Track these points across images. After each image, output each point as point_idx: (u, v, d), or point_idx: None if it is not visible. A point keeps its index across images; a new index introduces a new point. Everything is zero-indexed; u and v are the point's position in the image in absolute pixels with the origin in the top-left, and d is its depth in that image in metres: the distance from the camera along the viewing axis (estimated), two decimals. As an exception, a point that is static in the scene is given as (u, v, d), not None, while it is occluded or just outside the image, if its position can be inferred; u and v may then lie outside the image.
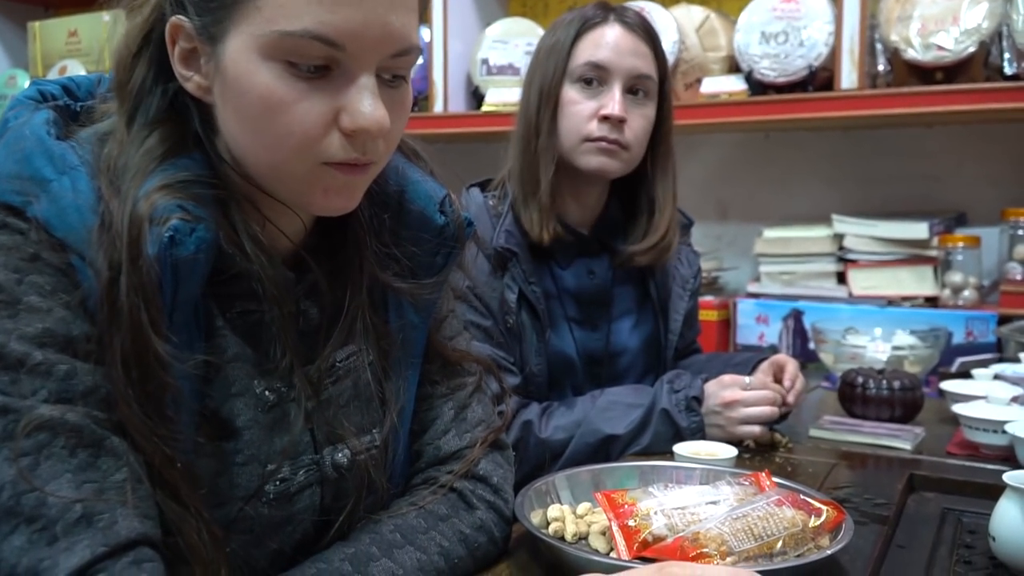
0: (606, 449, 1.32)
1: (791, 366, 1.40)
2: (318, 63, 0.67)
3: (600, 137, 1.38)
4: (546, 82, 1.40)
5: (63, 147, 0.68)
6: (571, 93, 1.39)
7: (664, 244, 1.45)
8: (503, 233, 1.38)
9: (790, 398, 1.36)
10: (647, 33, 1.41)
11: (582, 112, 1.39)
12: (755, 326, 2.14)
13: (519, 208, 1.41)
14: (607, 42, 1.38)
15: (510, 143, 1.46)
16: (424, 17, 0.73)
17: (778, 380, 1.38)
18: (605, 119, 1.37)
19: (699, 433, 1.32)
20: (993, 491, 0.97)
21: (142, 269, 0.64)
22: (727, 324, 2.20)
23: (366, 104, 0.68)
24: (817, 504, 0.89)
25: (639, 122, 1.40)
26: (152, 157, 0.69)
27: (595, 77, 1.38)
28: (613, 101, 1.37)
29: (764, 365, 1.40)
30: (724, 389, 1.33)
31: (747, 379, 1.35)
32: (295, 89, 0.67)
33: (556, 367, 1.42)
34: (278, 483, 0.75)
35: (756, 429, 1.32)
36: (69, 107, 0.75)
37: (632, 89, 1.39)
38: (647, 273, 1.53)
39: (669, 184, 1.47)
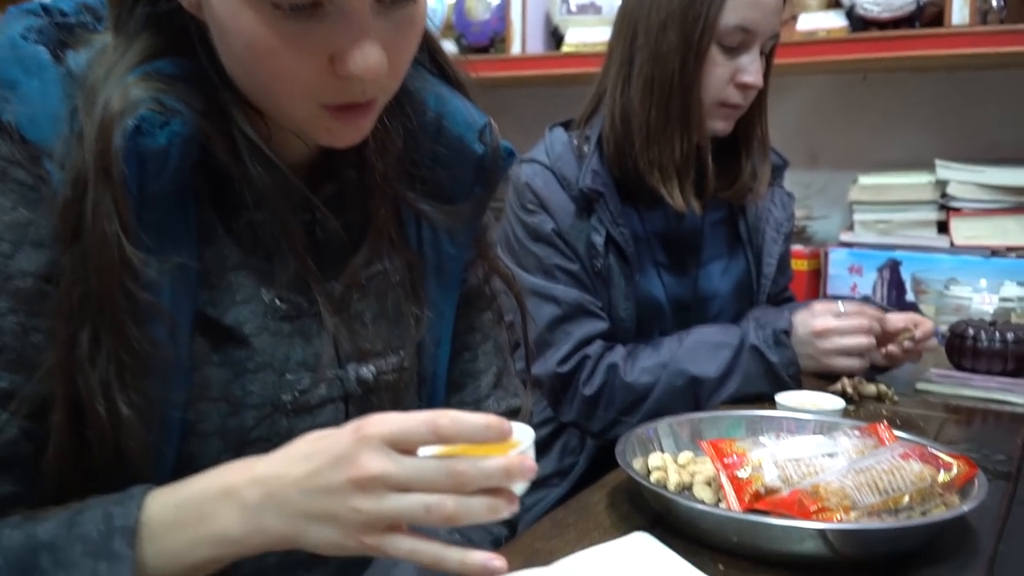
0: (694, 392, 1.26)
1: (928, 325, 1.30)
2: (306, 4, 0.60)
3: (736, 104, 1.30)
4: (692, 38, 1.26)
5: (36, 49, 0.64)
6: (715, 55, 1.27)
7: (752, 183, 1.39)
8: (589, 173, 1.32)
9: (917, 341, 1.29)
10: None
11: (722, 76, 1.28)
12: (847, 276, 2.05)
13: (643, 166, 1.32)
14: (757, 2, 1.25)
15: (607, 82, 1.36)
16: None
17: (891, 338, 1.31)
18: (743, 86, 1.28)
19: (794, 368, 1.25)
20: None
21: (108, 163, 0.60)
22: (817, 274, 2.11)
23: (359, 52, 0.62)
24: (946, 458, 0.83)
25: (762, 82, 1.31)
26: (137, 53, 0.65)
27: (740, 42, 1.27)
28: (755, 69, 1.27)
29: (853, 305, 1.31)
30: (815, 317, 1.26)
31: (841, 305, 1.27)
32: (281, 33, 0.61)
33: (644, 312, 1.37)
34: (297, 394, 0.72)
35: (855, 363, 1.25)
36: (80, 25, 0.70)
37: (763, 49, 1.30)
38: (739, 215, 1.46)
39: (763, 122, 1.39)
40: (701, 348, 1.28)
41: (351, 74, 0.63)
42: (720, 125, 1.32)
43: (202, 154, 0.67)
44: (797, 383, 1.25)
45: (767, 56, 1.33)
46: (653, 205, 1.38)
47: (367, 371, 0.77)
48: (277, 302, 0.72)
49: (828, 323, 1.25)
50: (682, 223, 1.40)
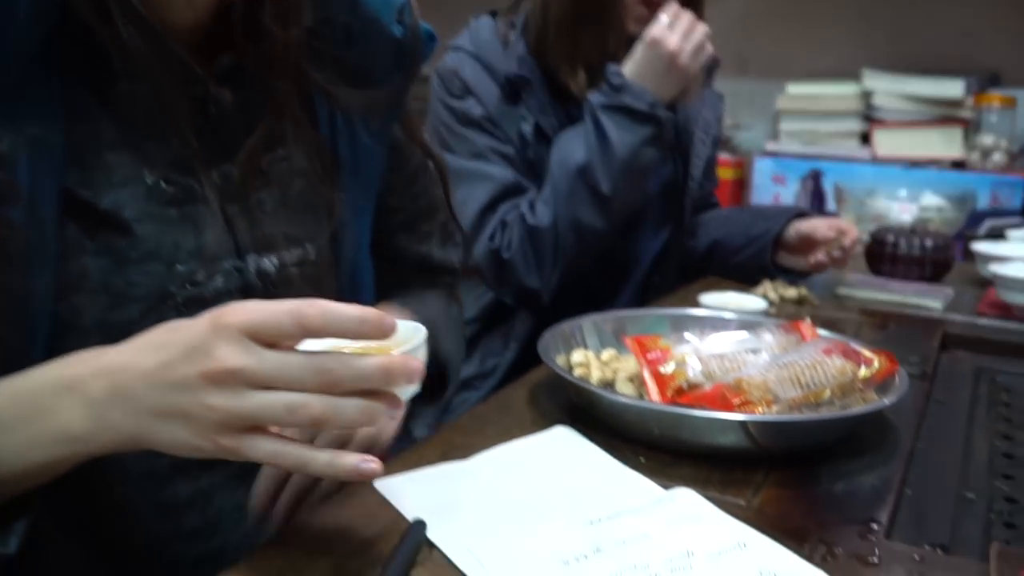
0: (585, 183, 1.23)
1: (853, 231, 1.30)
2: None
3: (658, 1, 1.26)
4: None
5: None
6: None
7: None
8: (515, 60, 1.29)
9: (845, 249, 1.28)
10: None
11: None
12: (771, 186, 2.05)
13: (554, 60, 1.28)
14: None
15: None
16: None
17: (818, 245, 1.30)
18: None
19: (649, 96, 1.21)
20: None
21: None
22: (741, 184, 2.12)
23: None
24: (867, 353, 0.83)
25: None
26: None
27: None
28: None
29: (824, 222, 1.31)
30: (649, 37, 1.23)
31: (663, 16, 1.24)
32: None
33: None
34: (189, 286, 0.66)
35: (709, 49, 1.25)
36: None
37: None
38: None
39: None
40: (565, 144, 1.26)
41: None
42: (644, 27, 1.26)
43: (65, 11, 0.59)
44: (667, 125, 1.25)
45: None
46: (582, 100, 1.32)
47: (268, 263, 0.71)
48: (162, 184, 0.65)
49: (660, 31, 1.22)
50: None
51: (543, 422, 0.81)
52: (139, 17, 0.61)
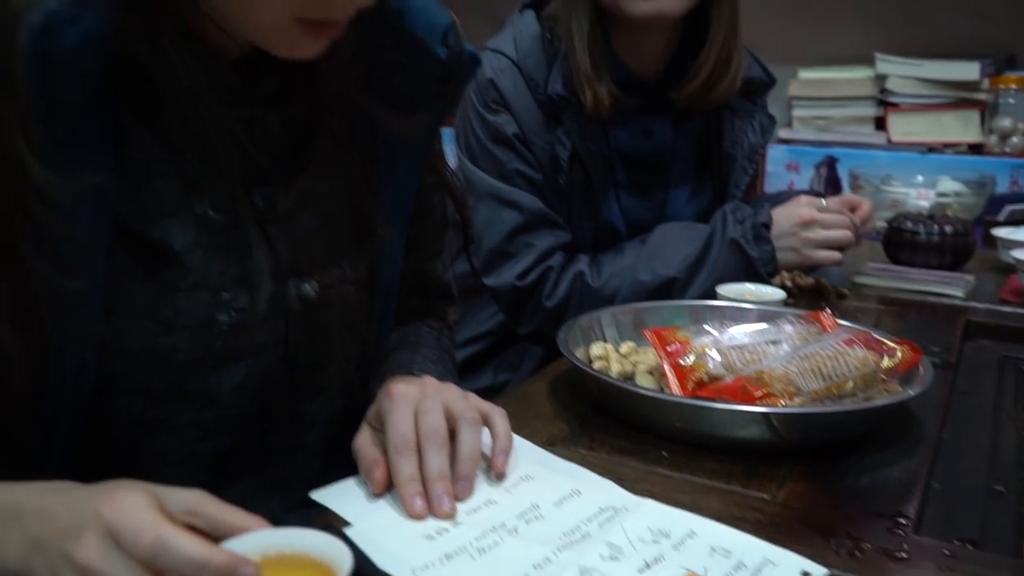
0: (663, 290, 1.18)
1: (866, 205, 1.27)
2: None
3: None
4: None
5: None
6: None
7: (710, 86, 1.22)
8: (560, 77, 1.19)
9: (859, 225, 1.24)
10: None
11: None
12: (784, 173, 2.03)
13: (577, 78, 1.19)
14: None
15: None
16: None
17: None
18: None
19: (772, 264, 1.19)
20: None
21: (11, 68, 0.52)
22: (758, 166, 2.10)
23: None
24: (890, 344, 0.81)
25: None
26: None
27: None
28: None
29: (835, 199, 1.27)
30: (800, 208, 1.21)
31: (823, 202, 1.23)
32: None
33: (602, 235, 1.28)
34: (234, 313, 0.66)
35: (836, 255, 1.21)
36: None
37: None
38: (711, 136, 1.33)
39: (724, 8, 1.22)
40: (668, 245, 1.21)
41: None
42: (643, 7, 1.14)
43: (120, 48, 0.58)
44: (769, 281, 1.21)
45: None
46: (621, 121, 1.26)
47: (309, 288, 0.71)
48: (211, 213, 0.64)
49: (814, 213, 1.20)
50: (650, 142, 1.29)
51: (564, 415, 0.80)
52: (195, 51, 0.61)
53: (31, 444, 0.61)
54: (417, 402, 0.65)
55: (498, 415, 0.68)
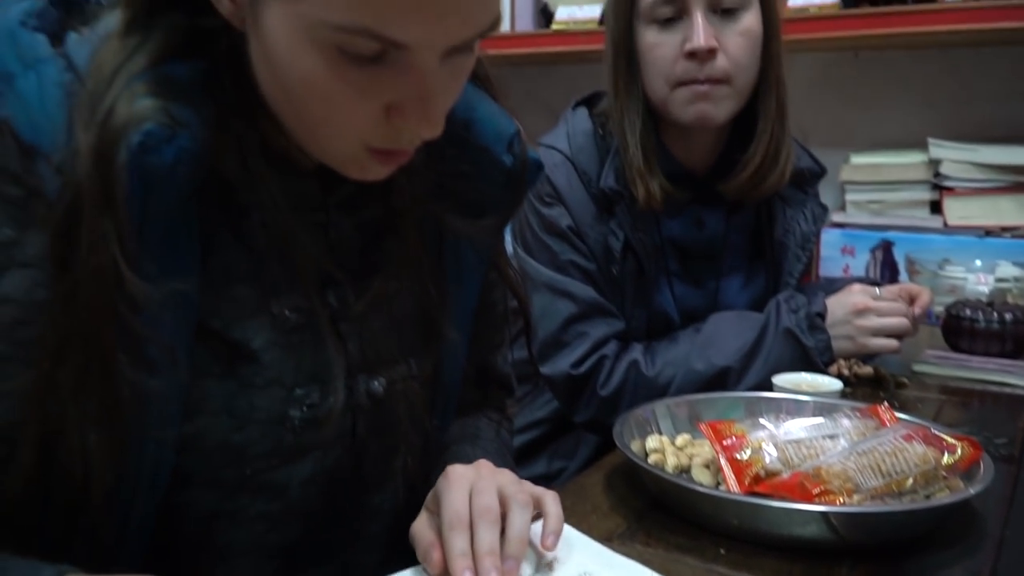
0: (718, 380, 1.19)
1: (925, 296, 1.26)
2: (374, 54, 0.56)
3: (690, 80, 1.17)
4: (617, 32, 1.22)
5: (35, 38, 0.59)
6: (648, 36, 1.19)
7: (759, 180, 1.24)
8: (612, 171, 1.23)
9: (916, 317, 1.23)
10: None
11: (665, 55, 1.18)
12: (840, 257, 2.03)
13: (629, 173, 1.23)
14: None
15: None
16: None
17: None
18: (691, 56, 1.16)
19: (828, 354, 1.19)
20: None
21: (110, 184, 0.55)
22: (811, 254, 2.10)
23: (421, 107, 0.58)
24: (950, 440, 0.81)
25: (737, 42, 1.17)
26: (148, 54, 0.59)
27: (671, 13, 1.16)
28: (697, 32, 1.14)
29: (892, 287, 1.27)
30: (853, 296, 1.21)
31: (877, 290, 1.23)
32: (343, 78, 0.57)
33: (655, 324, 1.30)
34: (305, 409, 0.68)
35: (893, 343, 1.20)
36: (82, 1, 0.64)
37: (718, 7, 1.16)
38: (763, 226, 1.35)
39: (771, 104, 1.24)
40: (722, 334, 1.22)
41: (409, 126, 0.59)
42: (692, 110, 1.19)
43: (210, 164, 0.62)
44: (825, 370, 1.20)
45: (763, 6, 1.21)
46: (673, 212, 1.29)
47: (377, 384, 0.74)
48: (287, 313, 0.68)
49: (868, 301, 1.20)
50: (702, 232, 1.31)
51: (621, 509, 0.81)
52: (279, 164, 0.65)
53: (107, 534, 0.63)
54: (472, 483, 0.67)
55: (550, 498, 0.69)
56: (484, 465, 0.70)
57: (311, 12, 0.54)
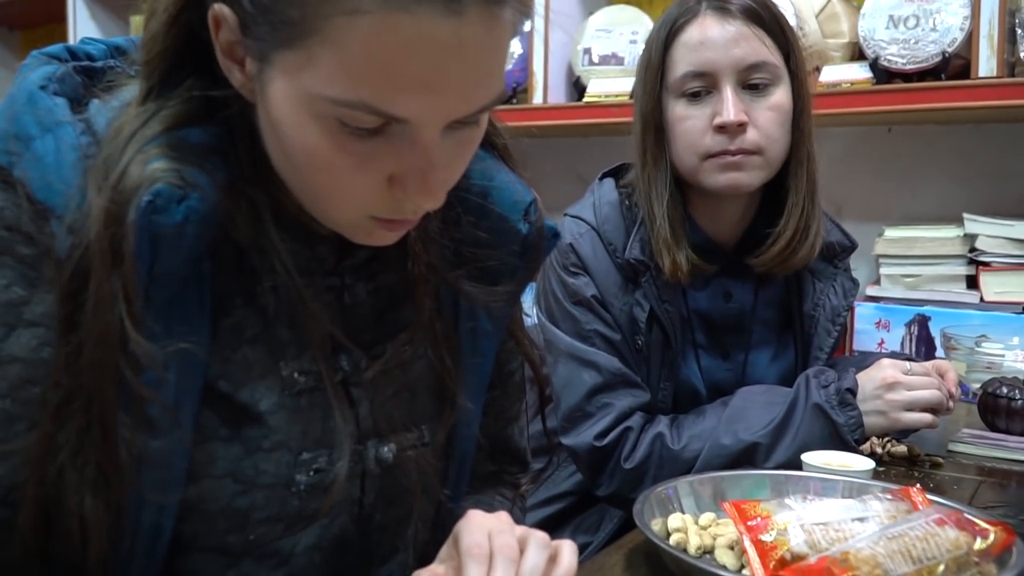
0: (745, 456, 1.16)
1: (952, 373, 1.24)
2: (374, 126, 0.57)
3: (720, 152, 1.19)
4: (646, 104, 1.24)
5: (53, 102, 0.60)
6: (677, 109, 1.21)
7: (788, 254, 1.24)
8: (638, 243, 1.23)
9: (950, 404, 1.20)
10: (750, 12, 1.19)
11: (695, 127, 1.20)
12: (875, 332, 2.00)
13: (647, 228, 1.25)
14: (701, 41, 1.18)
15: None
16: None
17: None
18: (721, 129, 1.18)
19: (860, 431, 1.15)
20: None
21: (119, 243, 0.56)
22: (843, 329, 2.06)
23: (422, 179, 0.59)
24: (983, 524, 0.78)
25: (767, 116, 1.19)
26: (163, 120, 0.60)
27: (701, 87, 1.20)
28: (728, 106, 1.17)
29: (921, 364, 1.24)
30: (882, 370, 1.18)
31: (907, 364, 1.20)
32: (345, 150, 0.58)
33: (681, 396, 1.28)
34: (312, 474, 0.68)
35: (927, 417, 1.17)
36: (104, 69, 0.66)
37: (749, 83, 1.19)
38: (792, 299, 1.34)
39: (801, 179, 1.25)
40: (750, 409, 1.19)
41: (411, 197, 0.60)
42: (722, 179, 1.20)
43: (221, 225, 0.63)
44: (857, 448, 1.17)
45: (793, 84, 1.23)
46: (701, 284, 1.29)
47: (387, 451, 0.73)
48: (296, 376, 0.68)
49: (898, 375, 1.17)
50: (729, 303, 1.31)
51: (640, 592, 0.78)
52: (284, 224, 0.66)
53: None
54: (492, 525, 0.65)
55: (567, 547, 0.67)
56: (503, 514, 0.69)
57: (312, 86, 0.55)
